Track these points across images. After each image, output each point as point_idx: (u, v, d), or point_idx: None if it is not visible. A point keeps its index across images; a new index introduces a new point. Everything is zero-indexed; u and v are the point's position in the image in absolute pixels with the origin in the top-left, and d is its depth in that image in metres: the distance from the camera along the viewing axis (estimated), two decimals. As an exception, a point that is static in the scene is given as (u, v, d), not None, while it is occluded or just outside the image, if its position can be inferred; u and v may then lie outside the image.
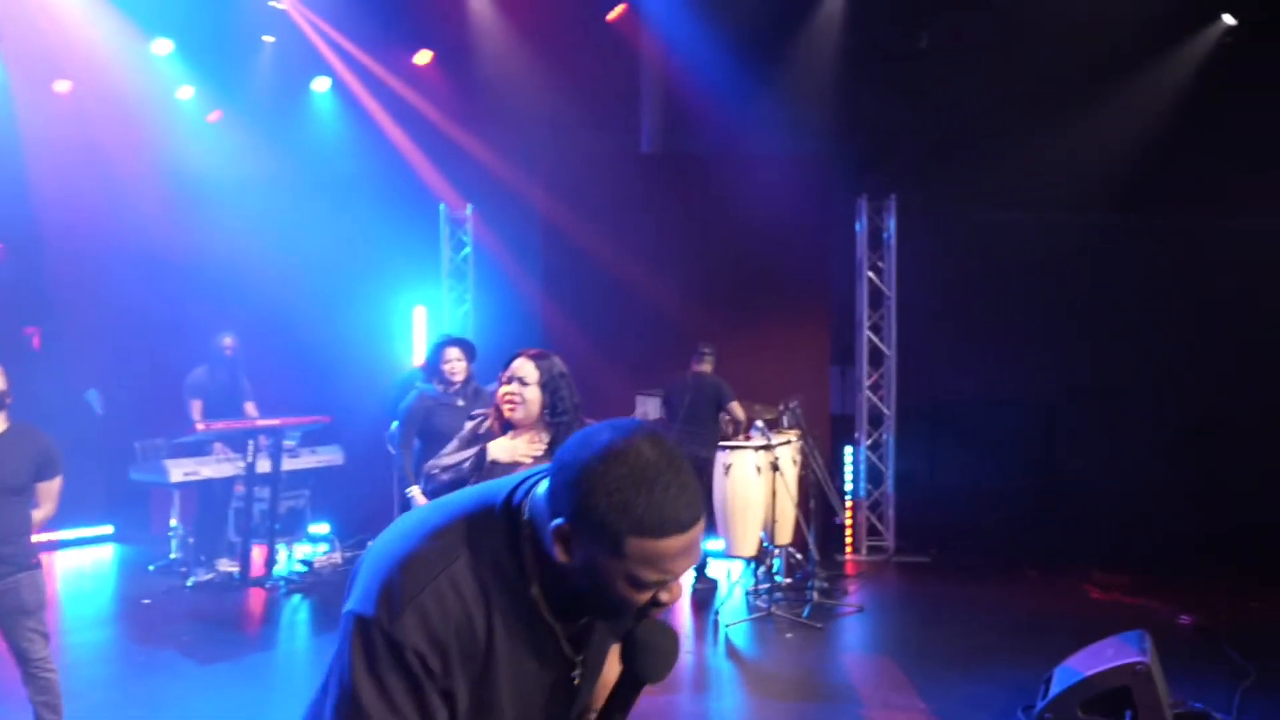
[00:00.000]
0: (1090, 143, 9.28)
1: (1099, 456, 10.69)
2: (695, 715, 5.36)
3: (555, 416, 3.57)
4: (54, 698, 4.24)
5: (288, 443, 7.86)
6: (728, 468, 7.39)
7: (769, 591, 7.27)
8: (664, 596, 1.48)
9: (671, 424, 7.64)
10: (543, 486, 1.51)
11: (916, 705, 5.30)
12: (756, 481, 7.29)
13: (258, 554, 7.87)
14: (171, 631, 6.51)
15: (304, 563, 7.99)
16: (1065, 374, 10.69)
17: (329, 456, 8.35)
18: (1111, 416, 10.64)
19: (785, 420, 7.68)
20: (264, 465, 7.60)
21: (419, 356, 8.83)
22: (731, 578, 7.81)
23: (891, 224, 9.22)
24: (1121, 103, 9.37)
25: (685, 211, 9.22)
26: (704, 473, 7.49)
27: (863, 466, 9.23)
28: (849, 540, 9.12)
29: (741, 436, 7.62)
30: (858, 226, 9.34)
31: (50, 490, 4.33)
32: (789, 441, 7.61)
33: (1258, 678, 5.38)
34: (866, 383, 9.27)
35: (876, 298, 9.33)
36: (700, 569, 7.62)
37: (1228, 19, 8.98)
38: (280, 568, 7.77)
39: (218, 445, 7.83)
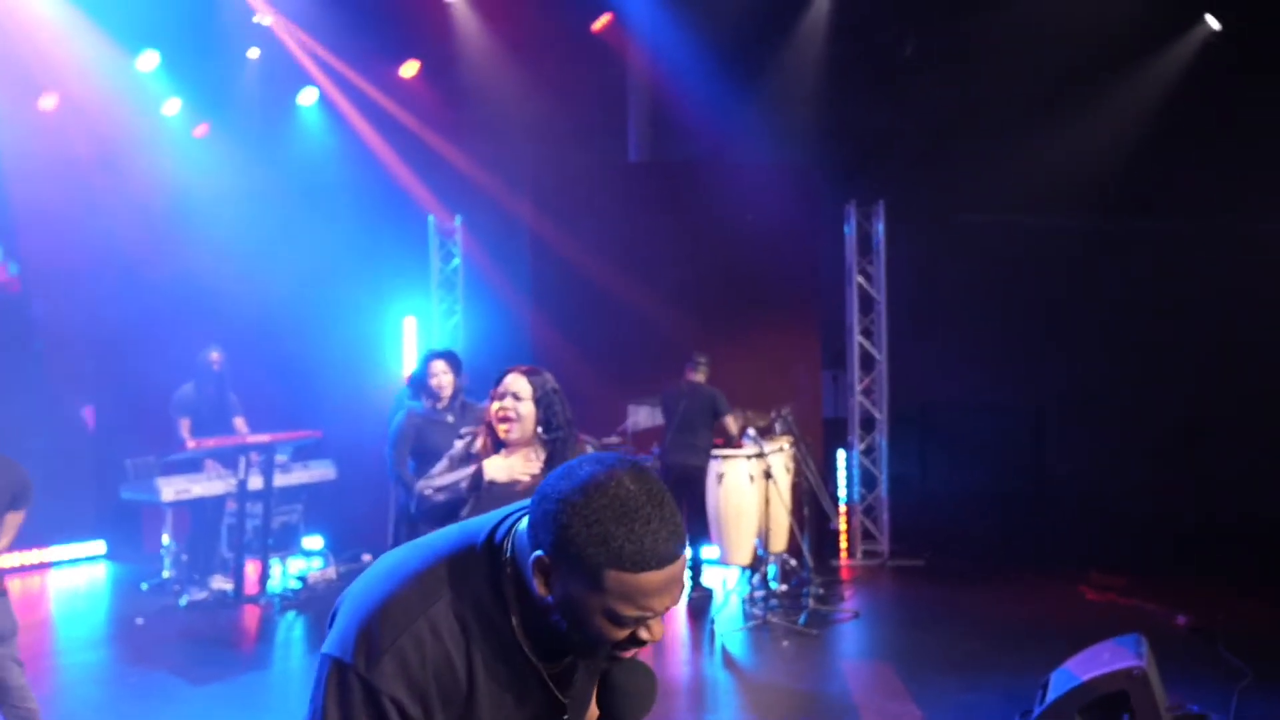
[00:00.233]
0: (1077, 147, 9.32)
1: (1089, 458, 10.73)
2: (693, 727, 5.35)
3: (550, 432, 3.52)
4: None
5: (280, 458, 7.83)
6: (721, 476, 7.40)
7: (764, 599, 7.27)
8: (644, 635, 1.45)
9: (667, 431, 7.64)
10: (524, 523, 1.49)
11: (913, 713, 5.30)
12: (750, 489, 7.29)
13: (251, 570, 7.84)
14: (165, 652, 6.46)
15: (298, 578, 7.96)
16: (1055, 377, 10.74)
17: (321, 471, 8.32)
18: (1101, 419, 10.69)
19: (777, 427, 7.69)
20: (256, 482, 7.56)
21: (409, 368, 8.80)
22: (727, 586, 7.81)
23: (880, 229, 9.23)
24: (1108, 107, 9.42)
25: (674, 220, 9.19)
26: (698, 481, 7.50)
27: (856, 471, 9.23)
28: (844, 545, 9.13)
29: (735, 444, 7.61)
30: (846, 232, 9.35)
31: (14, 521, 4.30)
32: (781, 449, 7.61)
33: (1254, 679, 5.41)
34: (858, 387, 9.28)
35: (866, 302, 9.34)
36: (695, 577, 7.62)
37: (1211, 21, 9.03)
38: (275, 584, 7.74)
39: (209, 462, 7.79)
